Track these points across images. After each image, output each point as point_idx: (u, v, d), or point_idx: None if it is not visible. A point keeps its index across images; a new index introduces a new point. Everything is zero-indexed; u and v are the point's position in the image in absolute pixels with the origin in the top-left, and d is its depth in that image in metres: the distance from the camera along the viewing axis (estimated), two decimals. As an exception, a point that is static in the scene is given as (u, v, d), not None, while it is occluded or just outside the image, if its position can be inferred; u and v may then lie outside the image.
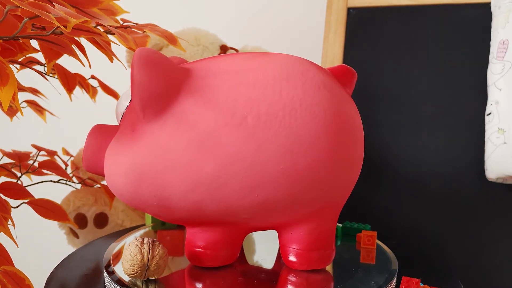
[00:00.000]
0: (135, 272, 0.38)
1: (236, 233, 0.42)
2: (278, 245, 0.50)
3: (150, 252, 0.37)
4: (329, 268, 0.44)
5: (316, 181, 0.39)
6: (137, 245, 0.38)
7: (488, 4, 0.65)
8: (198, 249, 0.42)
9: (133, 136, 0.38)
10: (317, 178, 0.39)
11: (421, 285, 0.42)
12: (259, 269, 0.44)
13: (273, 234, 0.53)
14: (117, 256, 0.45)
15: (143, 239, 0.38)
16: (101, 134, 0.41)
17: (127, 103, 0.40)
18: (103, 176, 0.42)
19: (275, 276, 0.42)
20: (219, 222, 0.40)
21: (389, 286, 0.42)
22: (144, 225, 0.58)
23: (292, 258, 0.42)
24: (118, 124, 0.42)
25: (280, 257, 0.47)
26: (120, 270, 0.41)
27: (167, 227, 0.56)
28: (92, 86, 0.57)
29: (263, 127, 0.37)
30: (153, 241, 0.38)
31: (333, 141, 0.39)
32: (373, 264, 0.46)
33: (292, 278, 0.42)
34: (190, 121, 0.36)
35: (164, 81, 0.37)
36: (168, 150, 0.36)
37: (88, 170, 0.42)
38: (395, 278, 0.43)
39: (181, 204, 0.38)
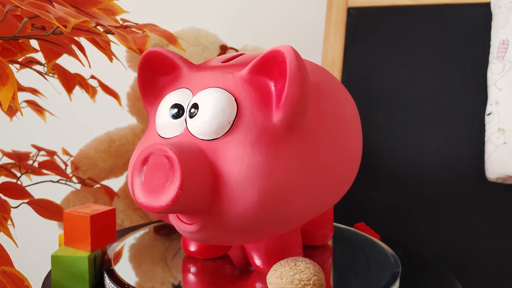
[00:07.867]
0: None
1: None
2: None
3: (316, 266, 0.35)
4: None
5: (355, 176, 0.45)
6: (308, 267, 0.34)
7: (488, 4, 0.65)
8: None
9: (279, 150, 0.34)
10: (355, 174, 0.45)
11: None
12: None
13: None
14: (117, 256, 0.45)
15: (293, 260, 0.35)
16: (196, 160, 0.33)
17: (228, 118, 0.34)
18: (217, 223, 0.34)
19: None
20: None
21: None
22: (148, 223, 0.56)
23: (313, 236, 0.48)
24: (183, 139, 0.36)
25: None
26: (121, 270, 0.41)
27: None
28: (92, 86, 0.57)
29: (355, 130, 0.42)
30: (300, 259, 0.36)
31: (359, 138, 0.44)
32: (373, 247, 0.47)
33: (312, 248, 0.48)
34: (323, 130, 0.37)
35: (309, 91, 0.35)
36: (315, 159, 0.36)
37: (173, 211, 0.32)
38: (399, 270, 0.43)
39: (303, 215, 0.38)
